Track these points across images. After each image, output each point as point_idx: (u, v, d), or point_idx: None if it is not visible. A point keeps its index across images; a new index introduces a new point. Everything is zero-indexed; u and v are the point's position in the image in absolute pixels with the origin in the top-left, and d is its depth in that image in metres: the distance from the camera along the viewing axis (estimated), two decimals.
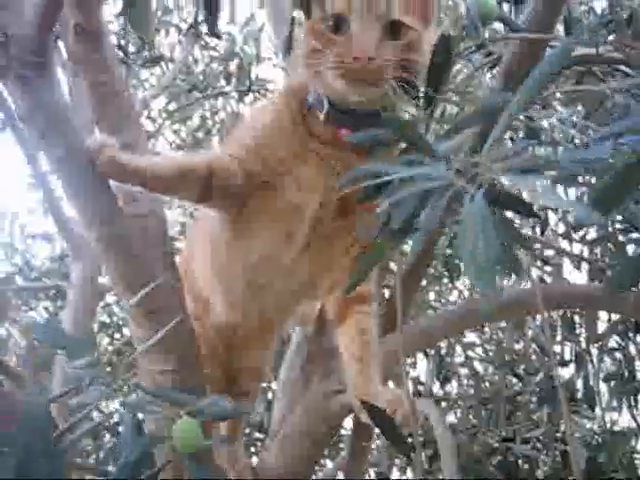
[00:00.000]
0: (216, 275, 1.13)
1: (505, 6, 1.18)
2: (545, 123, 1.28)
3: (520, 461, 1.82)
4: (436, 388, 2.25)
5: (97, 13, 1.07)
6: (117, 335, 2.75)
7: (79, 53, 1.05)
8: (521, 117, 1.20)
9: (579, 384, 1.77)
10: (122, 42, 2.16)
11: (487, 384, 2.14)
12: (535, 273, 1.70)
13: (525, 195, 0.67)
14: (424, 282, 2.07)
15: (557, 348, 1.89)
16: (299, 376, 1.33)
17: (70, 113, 0.90)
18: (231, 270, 1.10)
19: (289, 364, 1.42)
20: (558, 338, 1.87)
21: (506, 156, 0.60)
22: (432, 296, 2.23)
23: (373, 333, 1.06)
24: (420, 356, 2.20)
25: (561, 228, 1.83)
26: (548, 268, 1.79)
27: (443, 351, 2.20)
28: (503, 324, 2.00)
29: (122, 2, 1.04)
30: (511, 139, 1.16)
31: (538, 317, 1.83)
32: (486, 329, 2.26)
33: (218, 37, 1.87)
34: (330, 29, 0.89)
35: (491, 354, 2.27)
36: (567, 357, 1.85)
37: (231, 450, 1.29)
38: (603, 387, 1.78)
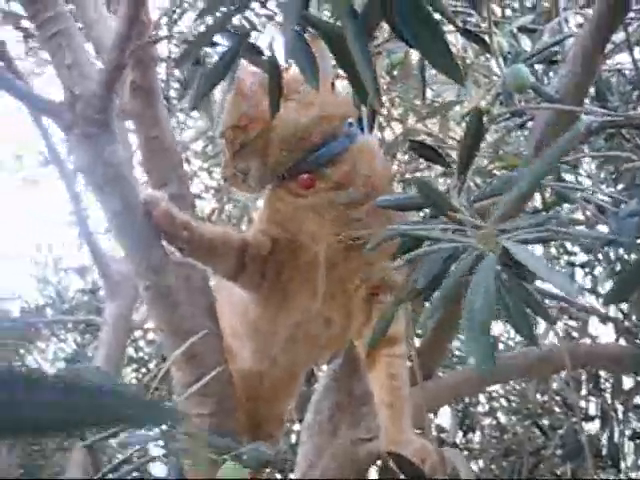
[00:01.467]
0: (246, 329, 1.20)
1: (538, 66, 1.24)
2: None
3: None
4: (459, 437, 2.25)
5: (151, 71, 1.15)
6: (143, 369, 2.80)
7: (134, 108, 1.12)
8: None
9: (604, 440, 1.77)
10: (163, 87, 2.25)
11: (510, 435, 2.14)
12: (560, 328, 1.72)
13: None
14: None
15: (582, 403, 1.90)
16: (327, 422, 1.35)
17: (128, 168, 0.97)
18: (263, 326, 1.18)
19: (315, 407, 1.43)
20: (583, 392, 1.88)
21: (523, 226, 0.65)
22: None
23: (404, 377, 1.07)
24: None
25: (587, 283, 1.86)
26: (574, 323, 1.81)
27: (466, 400, 2.20)
28: None
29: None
30: (543, 200, 1.19)
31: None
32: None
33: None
34: None
35: (514, 405, 2.28)
36: (592, 412, 1.86)
37: None
38: (629, 445, 1.78)
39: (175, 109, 2.19)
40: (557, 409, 1.94)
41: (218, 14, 0.69)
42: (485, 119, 1.14)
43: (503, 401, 2.34)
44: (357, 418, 1.24)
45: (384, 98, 1.49)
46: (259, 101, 1.09)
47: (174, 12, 2.07)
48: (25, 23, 2.45)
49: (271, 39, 0.64)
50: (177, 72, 2.27)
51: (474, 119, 0.86)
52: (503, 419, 2.25)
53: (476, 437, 2.29)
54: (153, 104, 1.12)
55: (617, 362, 1.21)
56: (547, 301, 1.80)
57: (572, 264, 1.74)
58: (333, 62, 1.49)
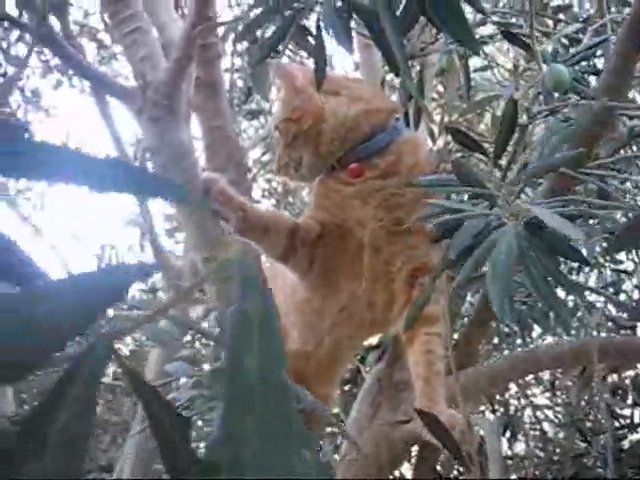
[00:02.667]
0: (294, 310, 1.28)
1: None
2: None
3: None
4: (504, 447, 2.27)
5: (215, 67, 1.25)
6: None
7: (198, 101, 1.22)
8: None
9: None
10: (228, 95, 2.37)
11: (554, 444, 2.14)
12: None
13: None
14: (496, 340, 2.13)
15: (627, 412, 1.90)
16: (369, 406, 1.41)
17: (190, 151, 1.07)
18: (310, 308, 1.26)
19: (360, 400, 1.49)
20: (629, 402, 1.89)
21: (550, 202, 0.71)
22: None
23: (439, 354, 1.13)
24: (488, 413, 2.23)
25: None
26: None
27: (511, 409, 2.23)
28: (570, 383, 2.01)
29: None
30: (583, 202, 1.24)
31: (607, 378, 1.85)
32: (557, 392, 2.29)
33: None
34: None
35: (560, 417, 2.29)
36: (637, 421, 1.86)
37: None
38: None
39: (237, 114, 2.32)
40: (600, 416, 1.94)
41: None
42: (525, 117, 1.21)
43: (548, 412, 2.36)
44: (396, 403, 1.29)
45: (433, 104, 1.55)
46: (310, 95, 1.20)
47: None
48: (99, 35, 2.62)
49: (317, 21, 0.71)
50: (240, 81, 2.40)
51: (509, 107, 0.93)
52: (548, 428, 2.26)
53: (521, 445, 2.31)
54: (216, 97, 1.21)
55: None
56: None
57: (618, 271, 1.76)
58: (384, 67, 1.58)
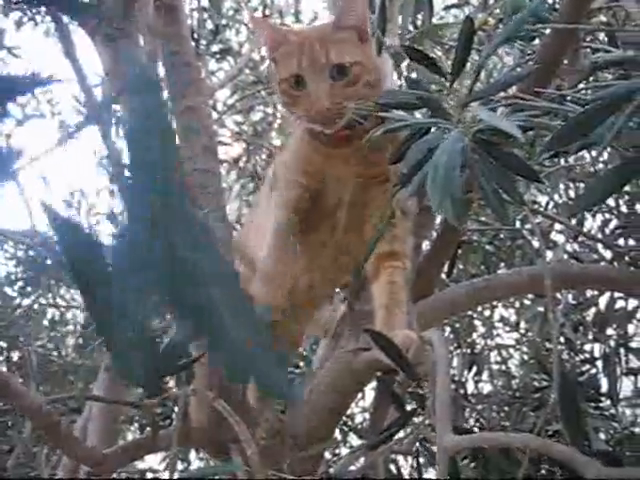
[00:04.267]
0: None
1: None
2: None
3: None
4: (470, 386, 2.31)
5: None
6: None
7: (158, 26, 1.20)
8: None
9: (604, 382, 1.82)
10: (195, 35, 2.33)
11: (518, 381, 2.20)
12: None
13: None
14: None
15: (587, 347, 1.95)
16: (331, 337, 1.43)
17: (151, 75, 1.05)
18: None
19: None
20: (590, 337, 1.93)
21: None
22: None
23: (401, 284, 1.15)
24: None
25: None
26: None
27: (477, 347, 2.27)
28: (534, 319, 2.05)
29: None
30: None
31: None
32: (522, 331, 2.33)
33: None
34: (293, 87, 1.13)
35: (525, 357, 2.34)
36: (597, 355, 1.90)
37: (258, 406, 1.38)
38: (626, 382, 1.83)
39: (205, 54, 2.28)
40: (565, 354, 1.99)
41: None
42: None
43: (514, 353, 2.41)
44: (357, 331, 1.31)
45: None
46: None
47: None
48: None
49: None
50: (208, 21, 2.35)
51: (466, 24, 0.92)
52: (513, 368, 2.32)
53: (487, 387, 2.36)
54: (176, 21, 1.19)
55: (611, 283, 1.26)
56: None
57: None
58: None
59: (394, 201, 1.19)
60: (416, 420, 1.35)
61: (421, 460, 1.36)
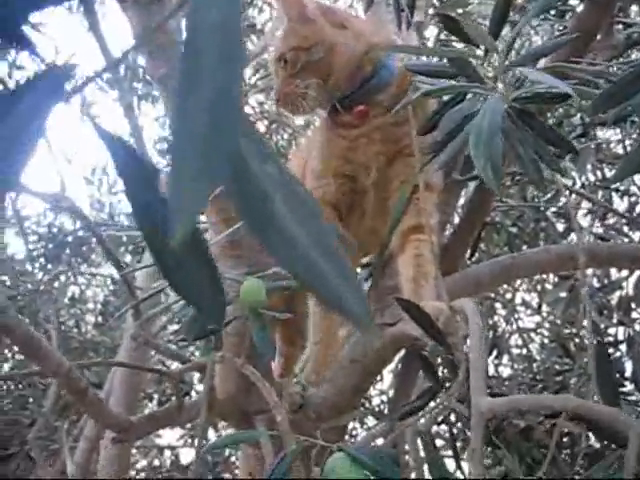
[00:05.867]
0: None
1: None
2: None
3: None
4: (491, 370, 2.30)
5: None
6: None
7: None
8: None
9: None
10: None
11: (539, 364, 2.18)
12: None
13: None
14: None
15: (612, 330, 1.94)
16: None
17: (178, 37, 1.04)
18: None
19: None
20: (614, 320, 1.91)
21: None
22: None
23: (427, 257, 1.14)
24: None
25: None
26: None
27: (499, 330, 2.26)
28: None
29: None
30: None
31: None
32: (544, 314, 2.32)
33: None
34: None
35: (546, 340, 2.32)
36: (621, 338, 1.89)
37: (281, 382, 1.37)
38: None
39: None
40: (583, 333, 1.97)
41: None
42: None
43: (535, 337, 2.40)
44: (383, 306, 1.30)
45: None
46: (322, 26, 1.18)
47: None
48: None
49: None
50: None
51: None
52: (534, 351, 2.30)
53: (507, 370, 2.35)
54: None
55: (638, 262, 1.24)
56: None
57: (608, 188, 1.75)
58: None
59: (419, 175, 1.17)
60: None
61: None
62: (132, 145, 0.27)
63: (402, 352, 1.35)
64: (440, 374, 1.30)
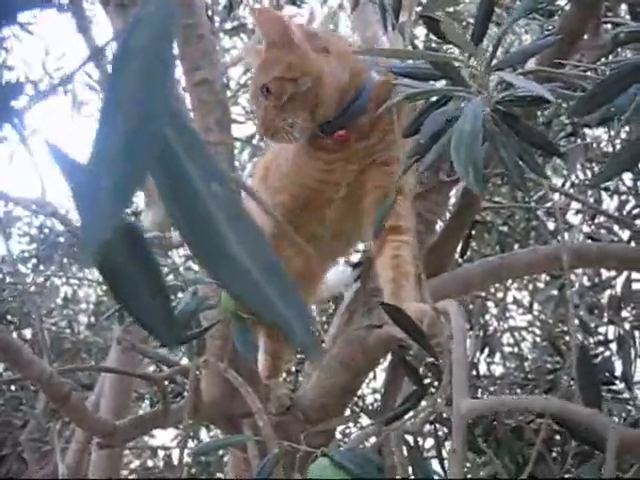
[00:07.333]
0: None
1: None
2: None
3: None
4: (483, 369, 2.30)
5: None
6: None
7: None
8: None
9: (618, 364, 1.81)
10: (209, 12, 2.31)
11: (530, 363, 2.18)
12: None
13: None
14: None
15: (602, 329, 1.94)
16: (343, 314, 1.42)
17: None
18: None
19: (338, 315, 1.50)
20: (605, 319, 1.91)
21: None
22: None
23: (407, 258, 1.12)
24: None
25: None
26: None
27: (490, 329, 2.26)
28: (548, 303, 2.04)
29: None
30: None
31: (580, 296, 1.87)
32: (535, 313, 2.32)
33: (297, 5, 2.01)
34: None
35: (537, 339, 2.33)
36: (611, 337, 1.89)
37: (269, 384, 1.36)
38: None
39: (219, 31, 2.26)
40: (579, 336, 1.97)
41: None
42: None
43: (527, 336, 2.40)
44: (370, 307, 1.30)
45: None
46: (306, 52, 1.12)
47: None
48: None
49: None
50: None
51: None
52: (525, 350, 2.31)
53: (498, 368, 2.35)
54: None
55: (629, 262, 1.24)
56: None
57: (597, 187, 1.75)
58: None
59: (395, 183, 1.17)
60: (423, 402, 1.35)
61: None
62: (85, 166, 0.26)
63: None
64: (427, 377, 1.30)
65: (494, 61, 0.92)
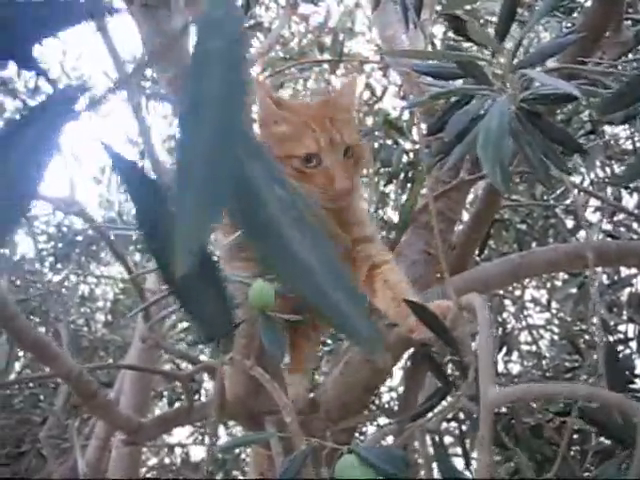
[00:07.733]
0: None
1: None
2: None
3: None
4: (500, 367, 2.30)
5: None
6: None
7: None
8: None
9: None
10: None
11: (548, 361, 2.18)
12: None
13: None
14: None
15: (622, 327, 1.93)
16: None
17: (184, 41, 1.04)
18: None
19: None
20: (624, 317, 1.91)
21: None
22: None
23: (396, 276, 1.15)
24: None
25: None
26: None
27: (508, 327, 2.25)
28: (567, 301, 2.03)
29: None
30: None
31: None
32: (553, 310, 2.31)
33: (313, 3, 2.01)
34: (303, 164, 1.12)
35: (555, 337, 2.32)
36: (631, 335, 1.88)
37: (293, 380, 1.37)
38: None
39: None
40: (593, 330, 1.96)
41: None
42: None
43: (545, 334, 2.39)
44: None
45: None
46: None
47: None
48: None
49: None
50: None
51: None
52: (543, 348, 2.30)
53: (517, 367, 2.35)
54: None
55: None
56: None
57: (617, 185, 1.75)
58: None
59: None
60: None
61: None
62: (142, 167, 0.27)
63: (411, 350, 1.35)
64: (449, 372, 1.30)
65: (516, 59, 0.93)
